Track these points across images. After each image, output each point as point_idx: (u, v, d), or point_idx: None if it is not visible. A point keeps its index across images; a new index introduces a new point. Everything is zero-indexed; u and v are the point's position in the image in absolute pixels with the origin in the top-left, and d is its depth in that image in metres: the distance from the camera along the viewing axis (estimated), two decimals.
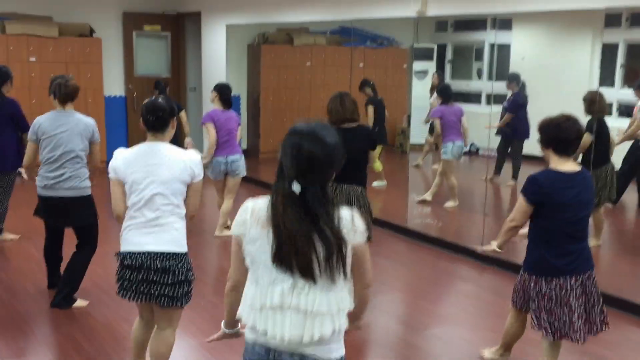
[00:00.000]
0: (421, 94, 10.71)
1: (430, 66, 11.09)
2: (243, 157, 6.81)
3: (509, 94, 9.03)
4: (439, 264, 6.28)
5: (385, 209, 8.30)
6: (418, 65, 11.02)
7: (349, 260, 2.19)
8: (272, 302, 2.19)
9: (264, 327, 2.21)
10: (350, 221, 2.19)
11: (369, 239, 2.33)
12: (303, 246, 2.11)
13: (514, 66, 9.90)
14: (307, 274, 2.14)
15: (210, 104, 7.05)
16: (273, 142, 11.25)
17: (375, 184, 9.04)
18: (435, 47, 11.25)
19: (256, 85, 11.11)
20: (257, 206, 2.24)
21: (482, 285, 5.66)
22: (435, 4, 6.65)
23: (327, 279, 2.16)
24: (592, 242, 6.37)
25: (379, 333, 4.73)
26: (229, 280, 2.40)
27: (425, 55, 11.20)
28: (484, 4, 6.39)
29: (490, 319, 4.92)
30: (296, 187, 2.12)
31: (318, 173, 2.14)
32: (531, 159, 8.49)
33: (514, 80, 8.89)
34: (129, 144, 10.59)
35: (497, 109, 9.12)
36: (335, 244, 2.13)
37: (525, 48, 10.03)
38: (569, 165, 3.60)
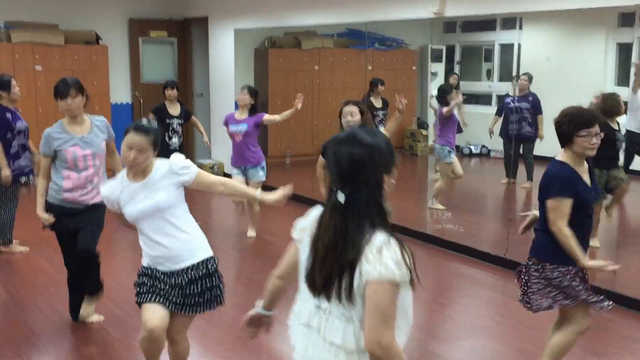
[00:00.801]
0: (434, 95, 10.61)
1: (440, 68, 10.97)
2: None
3: (511, 92, 8.85)
4: (461, 271, 6.14)
5: (402, 214, 8.16)
6: (433, 67, 10.92)
7: (358, 290, 1.93)
8: (303, 319, 2.11)
9: (293, 343, 2.14)
10: (377, 249, 1.91)
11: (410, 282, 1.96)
12: (330, 261, 1.96)
13: (525, 66, 9.77)
14: (325, 292, 2.00)
15: (217, 108, 6.91)
16: (281, 147, 11.13)
17: None
18: (444, 49, 11.12)
19: (264, 90, 10.96)
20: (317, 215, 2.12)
21: (507, 294, 5.50)
22: (453, 4, 6.51)
23: (344, 304, 1.96)
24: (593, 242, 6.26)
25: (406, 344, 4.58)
26: (278, 267, 2.36)
27: (436, 56, 11.07)
28: (501, 4, 6.26)
29: (520, 329, 4.77)
30: (340, 197, 1.98)
31: (361, 176, 1.97)
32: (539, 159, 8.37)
33: (530, 79, 8.71)
34: None
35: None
36: (350, 259, 1.92)
37: (537, 48, 9.89)
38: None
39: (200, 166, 10.45)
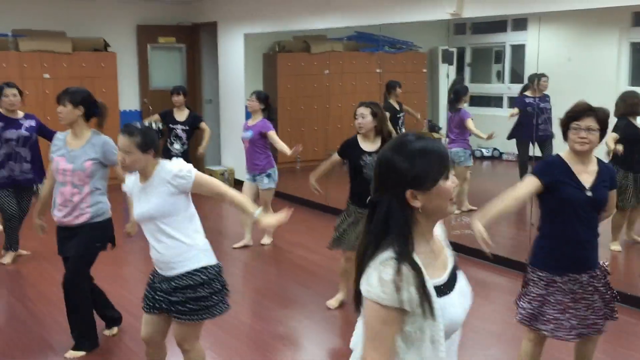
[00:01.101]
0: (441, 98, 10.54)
1: (451, 70, 10.86)
2: None
3: (529, 93, 8.69)
4: (481, 277, 6.03)
5: None
6: (450, 68, 10.81)
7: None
8: None
9: None
10: (374, 264, 1.76)
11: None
12: (357, 270, 1.86)
13: (534, 67, 9.65)
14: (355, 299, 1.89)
15: (226, 114, 6.82)
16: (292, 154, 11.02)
17: None
18: (455, 51, 11.03)
19: (273, 95, 10.84)
20: None
21: None
22: (471, 5, 6.40)
23: (361, 315, 1.87)
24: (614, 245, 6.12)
25: None
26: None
27: (446, 58, 10.96)
28: (519, 4, 6.14)
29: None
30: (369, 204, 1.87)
31: (383, 183, 1.83)
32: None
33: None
34: None
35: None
36: (361, 269, 1.81)
37: (550, 48, 9.76)
38: None
39: (210, 173, 10.40)
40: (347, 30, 10.82)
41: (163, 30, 10.64)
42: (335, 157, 5.12)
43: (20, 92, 6.21)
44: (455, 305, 1.88)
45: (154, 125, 3.39)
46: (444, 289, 1.85)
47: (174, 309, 3.35)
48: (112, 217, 4.42)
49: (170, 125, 7.42)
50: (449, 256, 1.97)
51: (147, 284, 3.51)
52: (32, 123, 6.22)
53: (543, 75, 8.51)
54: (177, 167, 3.31)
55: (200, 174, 3.34)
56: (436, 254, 1.90)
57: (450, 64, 11.03)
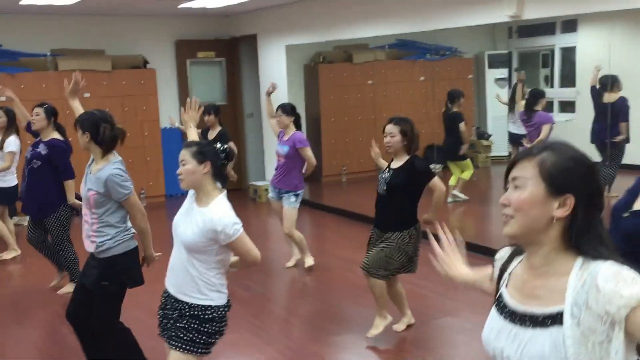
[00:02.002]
0: (502, 102, 10.14)
1: (498, 75, 10.54)
2: None
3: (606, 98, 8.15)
4: None
5: (477, 230, 7.69)
6: (496, 73, 10.44)
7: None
8: None
9: None
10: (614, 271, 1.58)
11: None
12: None
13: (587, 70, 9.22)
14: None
15: (269, 128, 6.52)
16: (336, 165, 10.73)
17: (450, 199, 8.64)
18: (512, 54, 10.66)
19: (315, 107, 10.61)
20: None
21: None
22: (532, 6, 6.01)
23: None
24: None
25: None
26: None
27: (502, 61, 10.60)
28: (583, 4, 5.73)
29: None
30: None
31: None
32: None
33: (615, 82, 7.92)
34: None
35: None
36: None
37: (599, 50, 9.29)
38: None
39: (255, 189, 10.14)
40: (388, 38, 10.52)
41: (202, 45, 10.45)
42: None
43: (53, 114, 5.89)
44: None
45: (218, 145, 3.29)
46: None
47: (170, 330, 3.25)
48: (129, 254, 4.04)
49: None
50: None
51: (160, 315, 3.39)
52: (44, 151, 5.75)
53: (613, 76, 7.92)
54: (228, 220, 3.13)
55: (242, 238, 3.16)
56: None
57: (506, 67, 10.68)
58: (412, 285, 5.40)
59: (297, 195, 6.31)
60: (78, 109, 4.65)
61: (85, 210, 4.00)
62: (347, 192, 10.46)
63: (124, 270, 3.99)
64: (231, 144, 7.39)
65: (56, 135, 5.83)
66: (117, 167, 3.90)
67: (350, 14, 8.33)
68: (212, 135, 7.30)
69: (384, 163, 4.81)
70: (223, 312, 3.22)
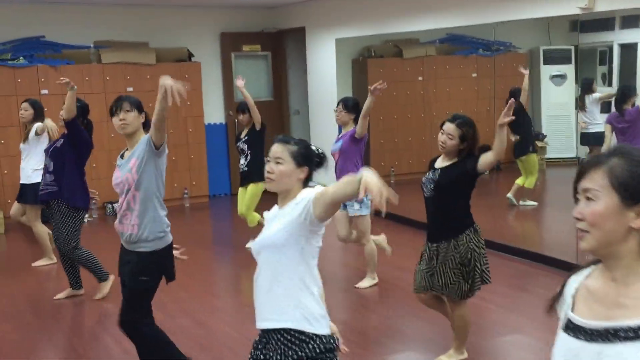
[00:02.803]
0: (559, 101, 9.64)
1: (569, 69, 10.00)
2: None
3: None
4: None
5: (543, 237, 7.27)
6: (553, 69, 9.93)
7: None
8: None
9: None
10: None
11: None
12: None
13: None
14: None
15: (316, 126, 6.11)
16: (385, 166, 10.32)
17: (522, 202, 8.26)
18: (573, 49, 10.12)
19: (363, 103, 10.20)
20: None
21: None
22: None
23: None
24: None
25: None
26: None
27: (561, 58, 10.08)
28: None
29: None
30: None
31: None
32: None
33: None
34: (231, 174, 9.91)
35: None
36: None
37: None
38: None
39: None
40: (439, 33, 10.11)
41: (247, 38, 10.14)
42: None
43: (80, 110, 5.60)
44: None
45: (313, 147, 2.80)
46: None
47: None
48: (168, 248, 3.84)
49: (237, 143, 7.08)
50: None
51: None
52: (67, 133, 5.57)
53: None
54: (305, 193, 2.66)
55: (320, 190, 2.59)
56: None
57: (563, 63, 10.17)
58: (475, 299, 4.99)
59: (360, 202, 5.57)
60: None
61: (123, 204, 3.76)
62: (397, 195, 10.05)
63: (161, 264, 3.81)
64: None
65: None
66: None
67: (402, 6, 7.97)
68: (244, 132, 7.05)
69: None
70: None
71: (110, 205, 9.03)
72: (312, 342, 2.58)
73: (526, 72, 8.86)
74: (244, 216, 6.93)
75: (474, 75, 11.08)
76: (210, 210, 9.34)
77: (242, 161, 6.90)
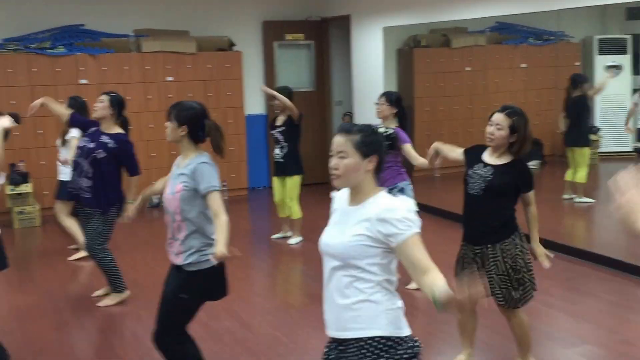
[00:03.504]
0: (613, 93, 9.20)
1: (624, 60, 9.54)
2: None
3: None
4: None
5: (596, 235, 6.90)
6: (607, 59, 9.47)
7: None
8: None
9: None
10: None
11: None
12: None
13: None
14: None
15: (360, 117, 5.77)
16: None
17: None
18: (630, 38, 9.66)
19: (409, 95, 9.85)
20: None
21: None
22: None
23: None
24: None
25: None
26: None
27: (617, 47, 9.61)
28: None
29: None
30: None
31: None
32: None
33: None
34: (270, 166, 9.64)
35: None
36: None
37: None
38: None
39: None
40: (487, 21, 9.73)
41: (290, 26, 9.84)
42: (459, 151, 4.06)
43: (118, 104, 5.20)
44: None
45: (382, 129, 2.50)
46: None
47: None
48: (216, 269, 3.51)
49: (272, 131, 6.99)
50: None
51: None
52: (112, 144, 5.12)
53: None
54: (403, 209, 2.37)
55: (419, 243, 2.36)
56: None
57: (619, 52, 9.71)
58: (536, 302, 4.66)
59: (401, 191, 5.31)
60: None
61: (169, 219, 3.54)
62: (441, 189, 9.71)
63: (207, 286, 3.54)
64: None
65: (120, 130, 5.21)
66: (206, 161, 3.51)
67: None
68: (280, 120, 6.90)
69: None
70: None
71: None
72: (400, 346, 2.40)
73: (611, 77, 8.50)
74: (280, 204, 7.02)
75: (524, 65, 10.66)
76: (249, 203, 9.09)
77: (278, 151, 6.88)
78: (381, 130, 2.56)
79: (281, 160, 6.85)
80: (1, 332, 4.79)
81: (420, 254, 2.34)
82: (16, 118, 4.02)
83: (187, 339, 3.65)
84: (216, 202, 3.42)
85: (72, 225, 6.51)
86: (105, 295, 5.48)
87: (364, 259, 2.38)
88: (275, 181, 7.03)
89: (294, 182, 6.87)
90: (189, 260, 3.45)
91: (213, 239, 3.41)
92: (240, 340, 4.64)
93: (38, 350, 4.61)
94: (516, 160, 3.72)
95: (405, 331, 2.43)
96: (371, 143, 2.44)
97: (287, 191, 6.88)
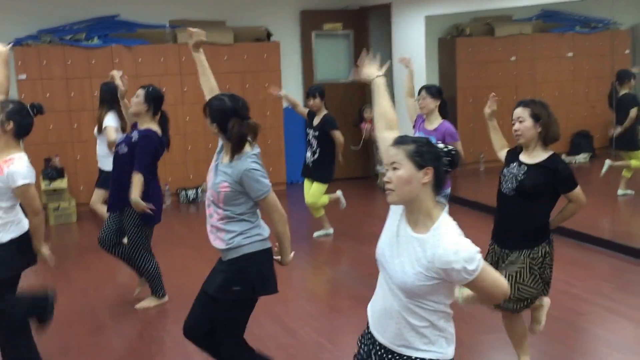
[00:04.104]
0: None
1: None
2: None
3: None
4: None
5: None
6: None
7: None
8: None
9: None
10: None
11: None
12: None
13: None
14: None
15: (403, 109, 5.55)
16: (474, 152, 9.63)
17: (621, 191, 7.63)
18: None
19: (451, 86, 9.55)
20: None
21: None
22: None
23: None
24: None
25: None
26: None
27: None
28: None
29: None
30: None
31: None
32: None
33: None
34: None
35: None
36: None
37: None
38: None
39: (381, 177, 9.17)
40: (532, 9, 9.36)
41: (329, 16, 9.60)
42: (502, 152, 4.02)
43: (154, 99, 4.90)
44: None
45: (440, 144, 2.37)
46: None
47: None
48: (263, 254, 3.38)
49: (306, 130, 6.77)
50: None
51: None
52: (136, 138, 4.88)
53: None
54: (462, 253, 2.20)
55: (486, 270, 2.25)
56: None
57: None
58: (581, 302, 4.38)
59: (445, 197, 5.18)
60: (203, 63, 3.86)
61: (209, 206, 3.36)
62: (485, 184, 9.40)
63: (257, 273, 3.34)
64: (337, 134, 6.57)
65: (154, 127, 4.90)
66: (254, 161, 3.27)
67: None
68: (316, 119, 6.66)
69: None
70: None
71: (184, 192, 8.65)
72: None
73: None
74: (311, 206, 6.87)
75: (570, 54, 10.26)
76: (287, 199, 8.85)
77: (309, 154, 6.72)
78: (440, 146, 2.31)
79: (310, 165, 6.72)
80: (36, 337, 4.65)
81: (492, 278, 2.29)
82: (39, 109, 3.82)
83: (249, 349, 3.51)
84: (270, 205, 3.32)
85: (105, 215, 6.37)
86: (142, 296, 5.29)
87: (429, 295, 2.27)
88: (306, 183, 6.87)
89: (319, 189, 6.70)
90: (232, 244, 3.29)
91: (254, 221, 3.32)
92: (283, 346, 4.43)
93: (75, 355, 4.45)
94: (551, 157, 3.55)
95: (451, 353, 2.37)
96: (426, 153, 2.28)
97: (311, 192, 6.72)
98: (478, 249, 2.21)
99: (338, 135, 6.62)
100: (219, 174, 3.32)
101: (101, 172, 6.49)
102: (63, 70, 8.09)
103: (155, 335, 4.73)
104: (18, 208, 3.70)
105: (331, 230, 6.93)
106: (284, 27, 9.35)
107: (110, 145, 6.15)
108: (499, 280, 2.29)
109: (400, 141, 2.32)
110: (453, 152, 2.34)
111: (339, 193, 7.17)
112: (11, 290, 3.71)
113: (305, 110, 6.79)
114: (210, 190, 3.35)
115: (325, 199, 6.83)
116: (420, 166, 2.25)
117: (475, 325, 4.54)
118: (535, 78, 10.04)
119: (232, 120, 3.24)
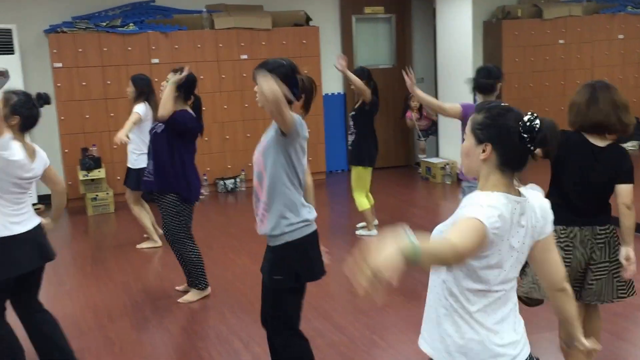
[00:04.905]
0: None
1: None
2: None
3: None
4: None
5: None
6: None
7: None
8: None
9: None
10: None
11: None
12: None
13: None
14: None
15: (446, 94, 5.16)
16: None
17: None
18: None
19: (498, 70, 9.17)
20: None
21: None
22: None
23: None
24: None
25: None
26: None
27: None
28: None
29: None
30: None
31: None
32: None
33: None
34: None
35: None
36: None
37: None
38: None
39: (427, 167, 8.91)
40: None
41: None
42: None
43: (183, 84, 4.69)
44: None
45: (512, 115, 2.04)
46: None
47: None
48: (306, 240, 3.17)
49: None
50: None
51: None
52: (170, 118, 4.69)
53: None
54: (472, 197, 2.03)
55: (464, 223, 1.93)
56: None
57: None
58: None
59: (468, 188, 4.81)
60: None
61: (257, 187, 3.17)
62: (528, 174, 9.01)
63: (299, 260, 3.16)
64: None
65: (186, 108, 4.74)
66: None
67: None
68: (356, 104, 6.34)
69: None
70: None
71: (222, 182, 8.44)
72: None
73: None
74: (354, 194, 6.48)
75: (621, 37, 9.84)
76: (327, 188, 8.59)
77: (350, 137, 6.39)
78: (525, 118, 2.00)
79: (349, 147, 6.43)
80: (79, 332, 4.48)
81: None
82: (45, 99, 3.64)
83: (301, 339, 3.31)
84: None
85: (139, 214, 6.21)
86: (185, 291, 5.09)
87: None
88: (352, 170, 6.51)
89: (357, 173, 6.29)
90: (277, 231, 3.09)
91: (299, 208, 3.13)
92: (333, 344, 4.19)
93: (118, 350, 4.26)
94: (616, 146, 3.27)
95: None
96: (490, 127, 2.01)
97: (352, 181, 6.38)
98: (490, 213, 1.91)
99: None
100: (262, 140, 3.19)
101: (128, 170, 6.26)
102: (99, 57, 7.91)
103: (199, 331, 4.52)
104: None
105: (374, 232, 6.47)
106: (323, 11, 9.07)
107: (136, 121, 5.89)
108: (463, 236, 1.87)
109: (477, 109, 2.12)
110: (537, 128, 2.00)
111: (375, 223, 6.49)
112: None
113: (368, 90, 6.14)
114: (255, 160, 3.17)
115: (365, 204, 6.34)
116: (479, 140, 2.03)
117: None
118: (583, 62, 9.63)
119: (298, 77, 3.17)
